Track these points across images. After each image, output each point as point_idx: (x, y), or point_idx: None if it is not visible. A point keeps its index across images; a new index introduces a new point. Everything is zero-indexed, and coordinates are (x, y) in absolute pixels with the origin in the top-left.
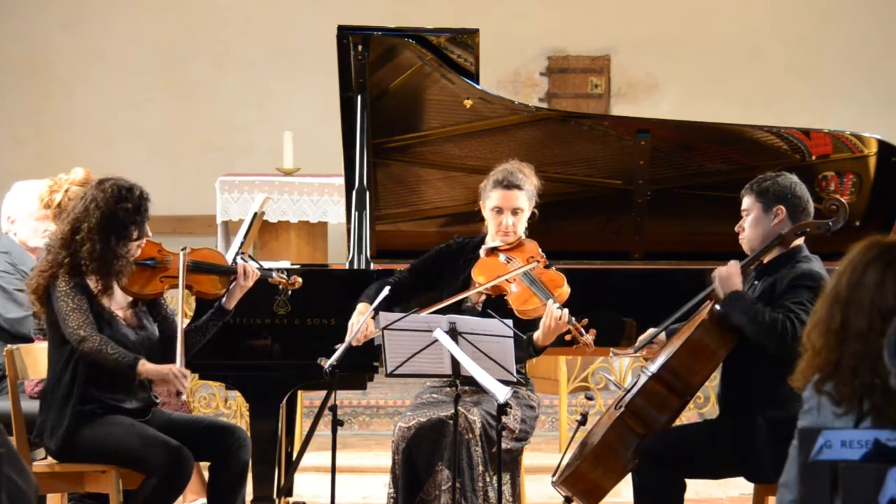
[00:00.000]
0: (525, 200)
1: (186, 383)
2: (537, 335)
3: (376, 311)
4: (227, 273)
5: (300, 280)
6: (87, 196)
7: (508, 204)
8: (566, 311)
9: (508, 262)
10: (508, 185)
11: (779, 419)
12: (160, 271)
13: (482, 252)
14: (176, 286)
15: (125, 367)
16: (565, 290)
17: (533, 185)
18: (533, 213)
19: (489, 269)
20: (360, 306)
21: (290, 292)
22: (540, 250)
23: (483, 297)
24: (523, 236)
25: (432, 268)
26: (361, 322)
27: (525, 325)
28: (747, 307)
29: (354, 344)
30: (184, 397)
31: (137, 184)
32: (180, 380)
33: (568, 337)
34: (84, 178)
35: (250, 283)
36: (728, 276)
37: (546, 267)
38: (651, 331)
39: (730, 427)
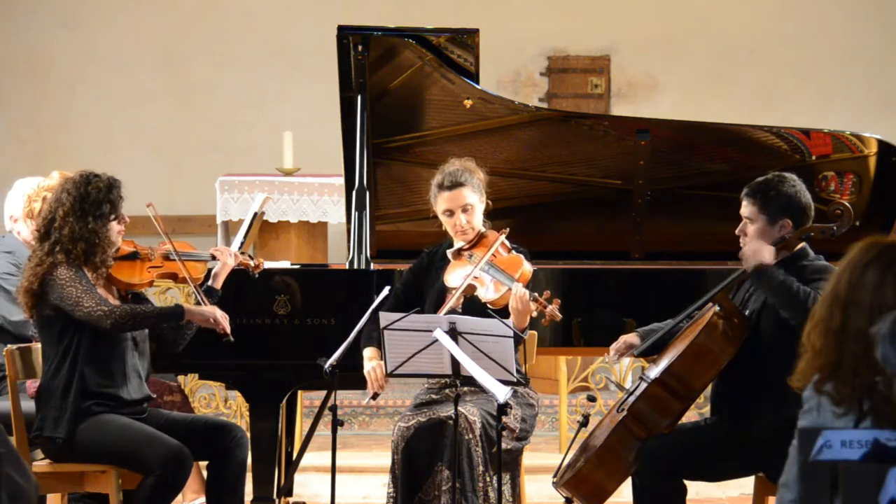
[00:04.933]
0: (472, 195)
1: (227, 325)
2: (512, 320)
3: (376, 310)
4: (204, 259)
5: (263, 263)
6: (57, 190)
7: (456, 203)
8: (526, 291)
9: (472, 259)
10: (451, 185)
11: (788, 426)
12: (145, 262)
13: (449, 255)
14: (163, 276)
15: (170, 315)
16: (526, 270)
17: (478, 178)
18: (487, 205)
19: (457, 271)
20: (368, 352)
21: (256, 275)
22: (502, 238)
23: (461, 300)
24: (483, 229)
25: (413, 286)
26: (344, 347)
27: (503, 315)
28: (778, 277)
29: (379, 391)
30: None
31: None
32: (223, 322)
33: (534, 314)
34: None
35: (233, 262)
36: (755, 250)
37: (509, 251)
38: (632, 336)
39: (736, 433)
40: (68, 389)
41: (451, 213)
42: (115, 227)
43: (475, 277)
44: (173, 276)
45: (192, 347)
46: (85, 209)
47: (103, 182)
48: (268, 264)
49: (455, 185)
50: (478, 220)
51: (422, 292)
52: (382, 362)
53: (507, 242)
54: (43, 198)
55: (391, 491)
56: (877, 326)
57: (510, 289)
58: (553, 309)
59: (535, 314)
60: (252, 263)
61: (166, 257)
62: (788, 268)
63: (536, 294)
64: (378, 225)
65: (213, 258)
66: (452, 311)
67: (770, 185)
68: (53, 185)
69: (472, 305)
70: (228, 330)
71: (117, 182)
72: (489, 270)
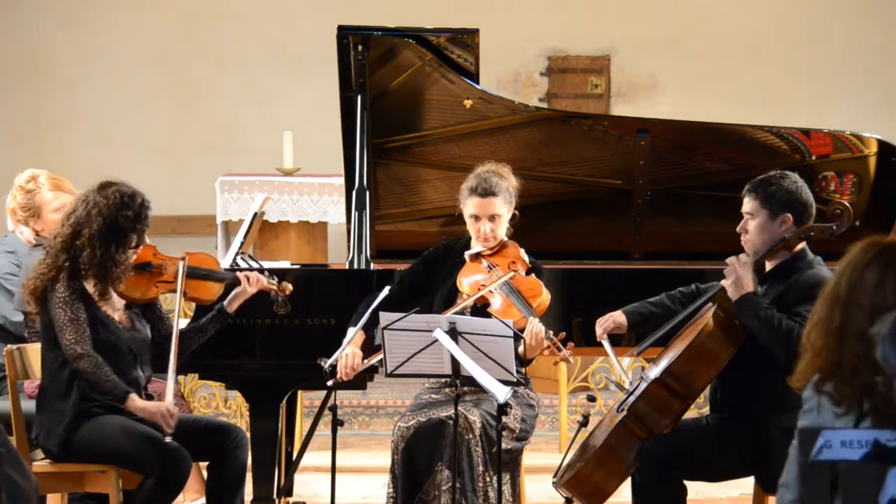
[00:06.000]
0: (502, 205)
1: (173, 423)
2: (521, 349)
3: (376, 311)
4: (223, 279)
5: (290, 287)
6: (90, 200)
7: (485, 211)
8: (542, 328)
9: (490, 269)
10: (483, 192)
11: (792, 428)
12: (156, 276)
13: (466, 257)
14: (171, 290)
15: (116, 396)
16: (544, 299)
17: (511, 187)
18: (514, 215)
19: (472, 276)
20: (351, 333)
21: (280, 298)
22: (522, 253)
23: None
24: (505, 238)
25: (423, 274)
26: (345, 345)
27: None
28: (761, 311)
29: (345, 378)
30: (168, 438)
31: (140, 191)
32: (167, 419)
33: (547, 353)
34: (28, 179)
35: (254, 290)
36: (737, 279)
37: (527, 272)
38: (618, 314)
39: (736, 433)
40: (68, 396)
41: (477, 218)
42: (133, 251)
43: (490, 292)
44: (184, 293)
45: None
46: (110, 236)
47: (134, 211)
48: (268, 264)
49: (488, 193)
50: (502, 231)
51: (431, 283)
52: (359, 352)
53: (526, 259)
54: (14, 196)
55: (391, 491)
56: (877, 327)
57: (525, 318)
58: (566, 354)
59: (546, 353)
60: (277, 287)
61: (184, 276)
62: (790, 271)
63: (552, 333)
64: (378, 225)
65: (236, 281)
66: (461, 314)
67: (771, 181)
68: (22, 183)
69: (481, 312)
70: (170, 430)
71: (147, 210)
72: (507, 290)
